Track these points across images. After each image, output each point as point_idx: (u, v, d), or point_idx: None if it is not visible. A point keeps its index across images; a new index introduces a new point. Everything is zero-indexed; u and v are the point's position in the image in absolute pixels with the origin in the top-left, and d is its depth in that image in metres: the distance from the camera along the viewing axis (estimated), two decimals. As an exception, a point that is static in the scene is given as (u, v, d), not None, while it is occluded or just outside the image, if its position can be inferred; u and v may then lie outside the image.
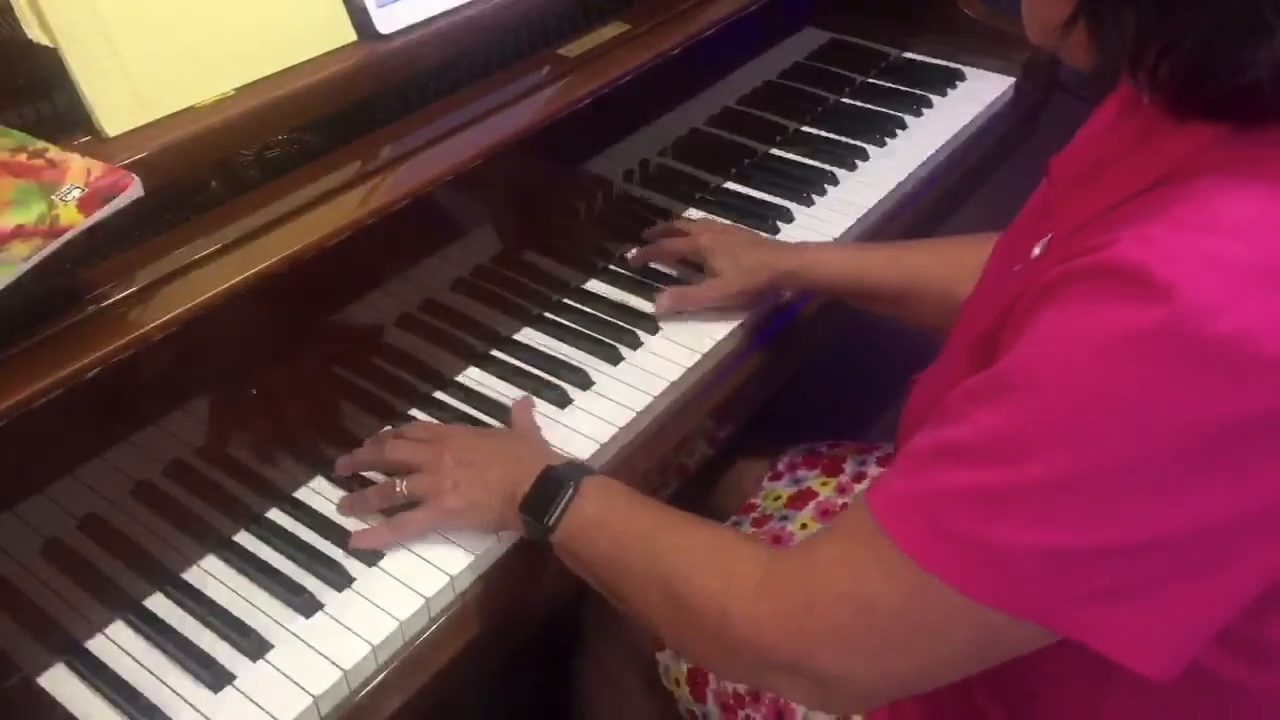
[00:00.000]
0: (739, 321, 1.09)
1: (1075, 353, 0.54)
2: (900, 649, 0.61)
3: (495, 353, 1.06)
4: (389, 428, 0.97)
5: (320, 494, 0.92)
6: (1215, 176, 0.55)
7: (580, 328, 1.09)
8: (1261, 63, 0.52)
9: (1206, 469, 0.52)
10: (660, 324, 1.09)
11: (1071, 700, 0.71)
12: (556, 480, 0.81)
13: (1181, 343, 0.51)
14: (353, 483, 0.92)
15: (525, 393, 1.01)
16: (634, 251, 1.18)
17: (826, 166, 1.32)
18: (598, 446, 0.96)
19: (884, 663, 0.62)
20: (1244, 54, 0.52)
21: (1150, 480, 0.53)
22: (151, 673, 0.79)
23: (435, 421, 0.98)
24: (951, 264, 0.98)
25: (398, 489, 0.87)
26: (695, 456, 1.04)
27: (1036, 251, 0.69)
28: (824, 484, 1.07)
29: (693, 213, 1.26)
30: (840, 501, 1.04)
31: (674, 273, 1.16)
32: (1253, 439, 0.51)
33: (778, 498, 1.08)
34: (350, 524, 0.89)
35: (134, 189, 0.73)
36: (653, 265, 1.17)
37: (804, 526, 1.02)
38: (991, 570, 0.56)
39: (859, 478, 1.07)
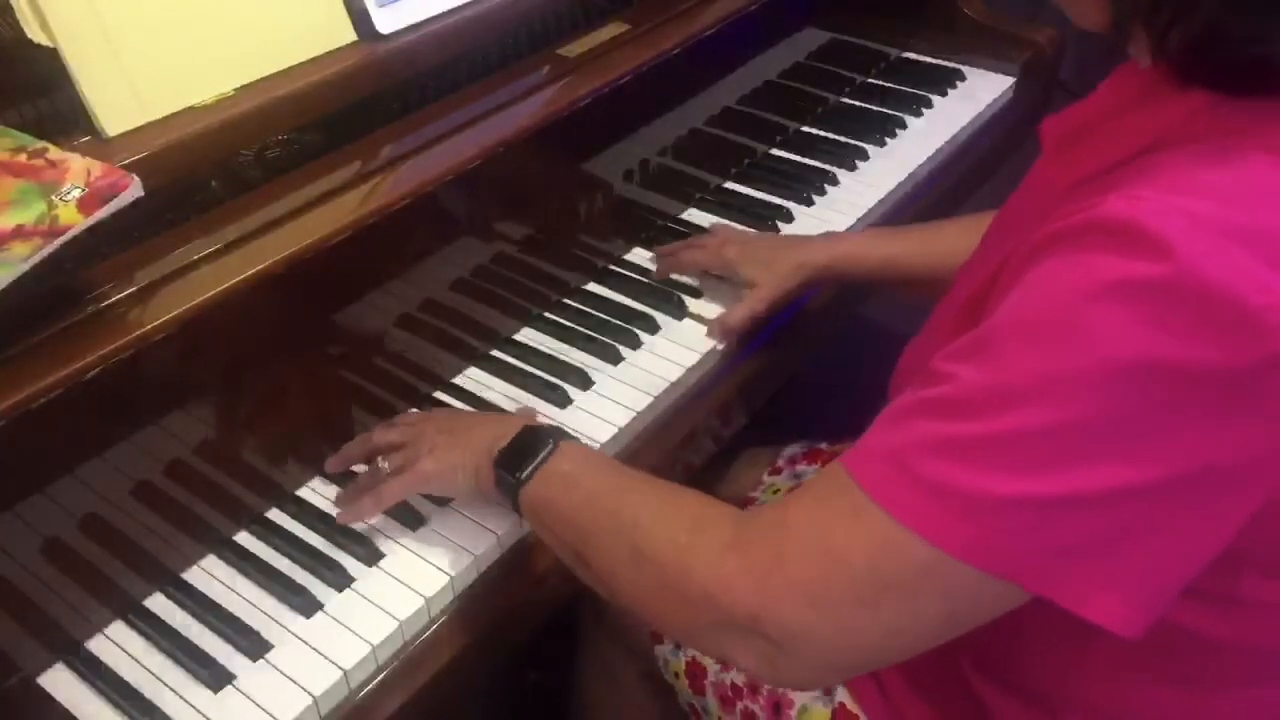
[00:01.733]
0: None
1: (1059, 302, 0.55)
2: (868, 605, 0.60)
3: (495, 353, 1.06)
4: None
5: (320, 494, 0.92)
6: (1202, 145, 0.56)
7: (580, 328, 1.09)
8: (1275, 38, 0.52)
9: (1182, 419, 0.53)
10: (659, 325, 1.09)
11: (1052, 664, 0.71)
12: (536, 437, 0.81)
13: (1167, 292, 0.51)
14: (351, 481, 0.92)
15: (525, 393, 1.01)
16: (657, 265, 1.16)
17: (826, 166, 1.32)
18: (598, 446, 0.95)
19: (849, 620, 0.60)
20: (1259, 26, 0.53)
21: (1126, 429, 0.53)
22: (151, 673, 0.79)
23: None
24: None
25: (382, 467, 0.87)
26: (696, 456, 1.04)
27: None
28: (823, 481, 1.07)
29: (693, 213, 1.27)
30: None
31: (693, 281, 1.15)
32: (1231, 391, 0.52)
33: (776, 491, 1.08)
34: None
35: (134, 189, 0.73)
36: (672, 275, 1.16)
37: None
38: (964, 520, 0.56)
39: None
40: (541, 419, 0.98)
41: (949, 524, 0.56)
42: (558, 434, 0.81)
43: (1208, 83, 0.57)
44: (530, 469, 0.78)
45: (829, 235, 1.16)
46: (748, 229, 1.22)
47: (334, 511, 0.90)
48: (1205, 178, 0.55)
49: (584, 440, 0.96)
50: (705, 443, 1.04)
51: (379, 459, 0.88)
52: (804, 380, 1.34)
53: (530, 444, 0.80)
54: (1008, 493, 0.55)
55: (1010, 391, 0.55)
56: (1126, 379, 0.52)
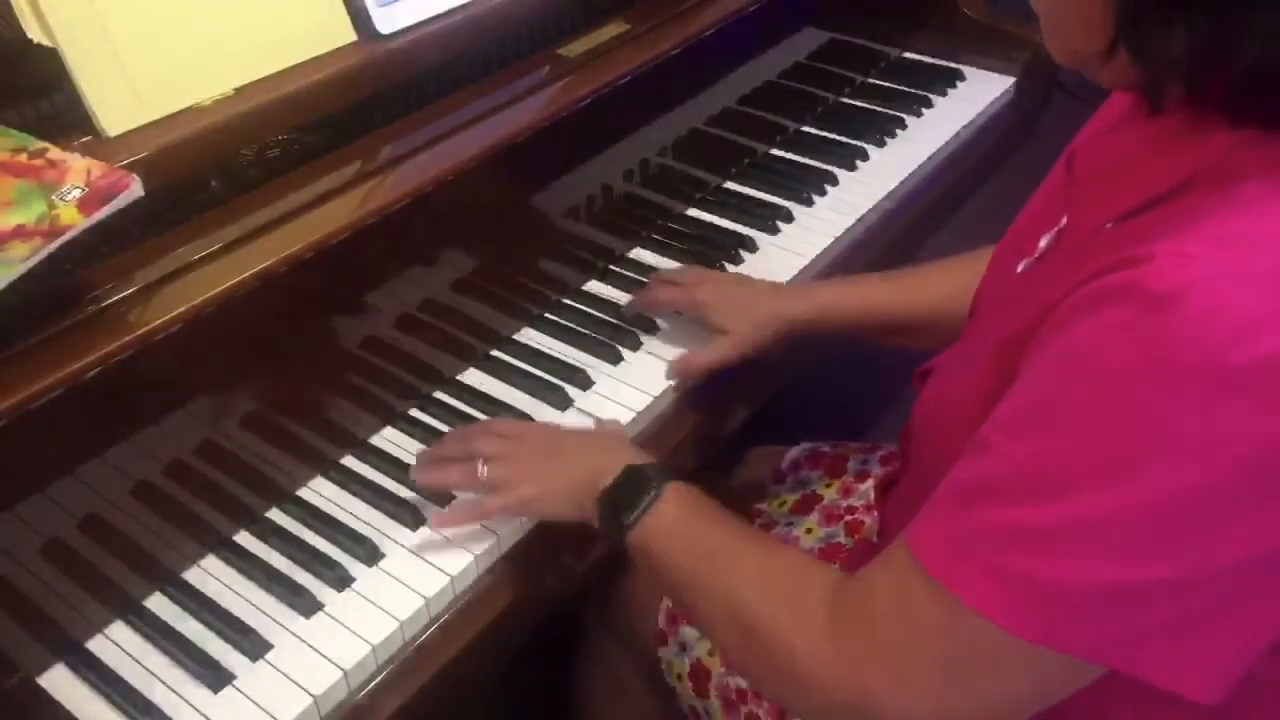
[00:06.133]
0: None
1: (1112, 381, 0.53)
2: (961, 687, 0.61)
3: (495, 353, 1.06)
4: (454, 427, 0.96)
5: (319, 494, 0.92)
6: (1248, 184, 0.54)
7: (580, 328, 1.09)
8: None
9: (1255, 492, 0.51)
10: (660, 326, 1.09)
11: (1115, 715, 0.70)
12: (641, 480, 0.80)
13: (1220, 367, 0.50)
14: (349, 481, 0.93)
15: (525, 393, 1.01)
16: (625, 306, 1.12)
17: (826, 166, 1.32)
18: (598, 446, 0.95)
19: (946, 702, 0.62)
20: None
21: (1195, 509, 0.52)
22: (151, 673, 0.79)
23: (481, 418, 0.98)
24: (962, 286, 0.96)
25: (480, 473, 0.86)
26: (696, 456, 1.04)
27: (1043, 244, 0.69)
28: (828, 486, 1.07)
29: (693, 212, 1.27)
30: (845, 504, 1.04)
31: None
32: None
33: (783, 503, 1.07)
34: (349, 520, 0.89)
35: (134, 189, 0.73)
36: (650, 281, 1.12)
37: (809, 531, 1.02)
38: (1036, 607, 0.56)
39: (862, 477, 1.07)
40: (626, 445, 0.92)
41: (1021, 611, 0.57)
42: (662, 477, 0.80)
43: (1259, 123, 0.55)
44: (635, 515, 0.78)
45: (807, 286, 1.12)
46: (737, 274, 1.15)
47: (335, 511, 0.90)
48: (1254, 225, 0.53)
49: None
50: (706, 443, 1.04)
51: (480, 464, 0.87)
52: (805, 381, 1.34)
53: (636, 486, 0.79)
54: (1079, 580, 0.55)
55: (1071, 476, 0.55)
56: (1184, 460, 0.51)
